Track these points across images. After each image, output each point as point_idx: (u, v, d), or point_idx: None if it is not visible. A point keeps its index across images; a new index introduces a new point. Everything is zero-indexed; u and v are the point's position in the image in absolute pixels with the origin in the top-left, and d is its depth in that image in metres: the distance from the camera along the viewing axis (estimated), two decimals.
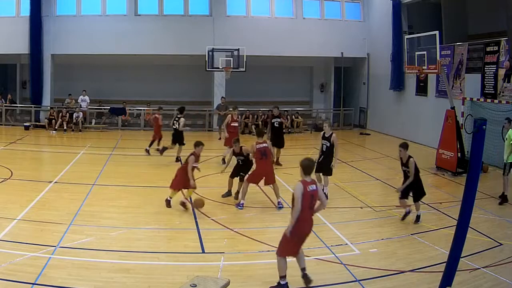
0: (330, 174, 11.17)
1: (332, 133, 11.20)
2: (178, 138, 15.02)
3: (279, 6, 23.81)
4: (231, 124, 14.89)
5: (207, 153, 16.82)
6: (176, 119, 15.18)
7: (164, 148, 15.15)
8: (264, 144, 10.57)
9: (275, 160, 13.68)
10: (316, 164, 9.90)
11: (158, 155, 15.20)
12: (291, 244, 6.40)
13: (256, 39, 22.29)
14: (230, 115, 15.12)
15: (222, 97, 21.80)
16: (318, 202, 6.53)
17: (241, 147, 10.79)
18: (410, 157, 9.49)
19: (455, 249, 5.32)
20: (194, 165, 9.86)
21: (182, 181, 9.90)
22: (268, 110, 23.21)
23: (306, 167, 6.51)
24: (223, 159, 14.30)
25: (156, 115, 16.65)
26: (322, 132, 11.56)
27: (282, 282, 6.48)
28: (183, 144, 14.97)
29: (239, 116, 22.58)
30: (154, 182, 12.10)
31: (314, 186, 6.41)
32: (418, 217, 9.56)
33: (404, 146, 9.66)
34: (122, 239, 8.25)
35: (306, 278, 6.56)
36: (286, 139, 18.81)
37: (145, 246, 8.05)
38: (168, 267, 7.27)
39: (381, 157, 16.96)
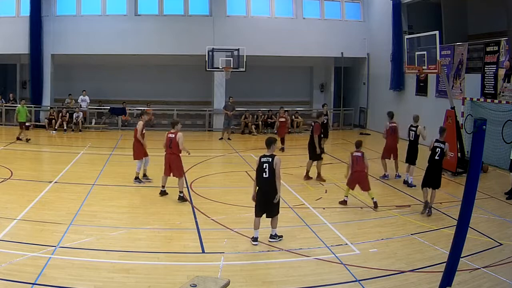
0: None
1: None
2: None
3: (279, 6, 23.77)
4: (143, 132, 11.98)
5: (207, 153, 16.94)
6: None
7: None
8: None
9: (306, 173, 13.05)
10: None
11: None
12: None
13: (256, 39, 22.25)
14: (141, 122, 11.97)
15: (230, 97, 21.69)
16: None
17: None
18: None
19: (455, 249, 5.31)
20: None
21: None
22: (268, 110, 23.39)
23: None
24: (137, 178, 11.98)
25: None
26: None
27: None
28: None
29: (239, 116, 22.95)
30: (154, 182, 12.09)
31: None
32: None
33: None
34: (122, 239, 8.24)
35: None
36: (286, 139, 18.85)
37: (145, 246, 8.04)
38: (168, 267, 7.26)
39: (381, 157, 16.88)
